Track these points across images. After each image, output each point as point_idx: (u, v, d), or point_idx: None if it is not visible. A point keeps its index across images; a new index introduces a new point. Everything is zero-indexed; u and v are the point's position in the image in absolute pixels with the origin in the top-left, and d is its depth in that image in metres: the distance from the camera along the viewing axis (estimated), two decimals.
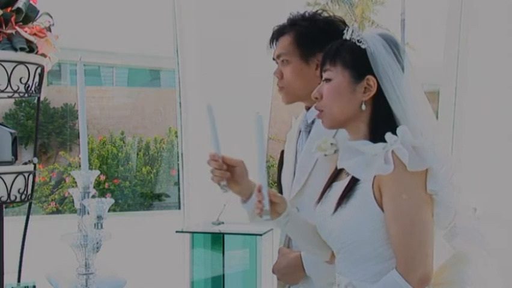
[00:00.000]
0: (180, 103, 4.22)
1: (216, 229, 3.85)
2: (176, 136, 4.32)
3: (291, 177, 1.93)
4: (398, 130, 1.46)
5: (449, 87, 4.20)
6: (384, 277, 1.44)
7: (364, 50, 1.53)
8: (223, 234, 3.81)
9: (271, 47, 1.94)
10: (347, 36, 1.57)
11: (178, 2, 4.17)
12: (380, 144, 1.47)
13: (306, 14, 1.91)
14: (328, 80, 1.57)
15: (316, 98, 1.59)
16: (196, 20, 4.09)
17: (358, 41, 1.54)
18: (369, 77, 1.52)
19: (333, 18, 1.90)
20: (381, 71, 1.51)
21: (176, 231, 3.88)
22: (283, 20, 1.94)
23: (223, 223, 3.89)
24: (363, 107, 1.53)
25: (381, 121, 1.52)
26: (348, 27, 1.58)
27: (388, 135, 1.46)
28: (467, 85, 4.10)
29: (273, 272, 1.95)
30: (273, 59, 1.95)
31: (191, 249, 3.93)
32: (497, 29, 3.84)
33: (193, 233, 3.92)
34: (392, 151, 1.43)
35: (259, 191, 1.51)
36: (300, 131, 1.96)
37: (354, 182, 1.51)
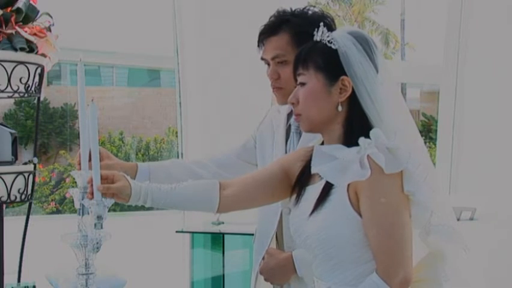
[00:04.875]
0: (180, 103, 4.22)
1: (216, 229, 3.85)
2: (176, 136, 4.32)
3: None
4: (371, 133, 1.44)
5: (449, 87, 4.21)
6: (365, 281, 1.43)
7: (336, 51, 1.50)
8: (223, 234, 3.81)
9: (259, 46, 1.88)
10: (317, 37, 1.53)
11: (178, 2, 4.17)
12: (354, 149, 1.45)
13: (296, 11, 1.85)
14: (302, 84, 1.53)
15: (292, 103, 1.56)
16: (196, 20, 4.09)
17: (329, 41, 1.51)
18: (344, 77, 1.49)
19: (323, 14, 1.84)
20: (353, 71, 1.48)
21: (176, 231, 3.88)
22: None
23: (223, 223, 3.90)
24: (340, 108, 1.50)
25: (355, 122, 1.50)
26: (318, 28, 1.54)
27: (361, 140, 1.44)
28: (467, 85, 4.10)
29: (261, 272, 1.90)
30: (262, 58, 1.88)
31: (191, 249, 3.94)
32: (497, 29, 3.85)
33: (193, 233, 3.93)
34: (368, 155, 1.41)
35: (89, 183, 1.51)
36: (287, 131, 1.92)
37: (329, 186, 1.48)
